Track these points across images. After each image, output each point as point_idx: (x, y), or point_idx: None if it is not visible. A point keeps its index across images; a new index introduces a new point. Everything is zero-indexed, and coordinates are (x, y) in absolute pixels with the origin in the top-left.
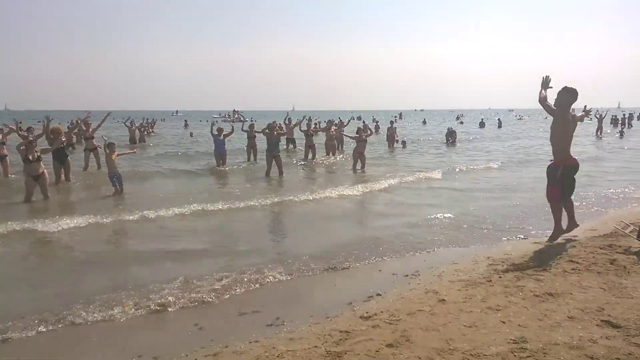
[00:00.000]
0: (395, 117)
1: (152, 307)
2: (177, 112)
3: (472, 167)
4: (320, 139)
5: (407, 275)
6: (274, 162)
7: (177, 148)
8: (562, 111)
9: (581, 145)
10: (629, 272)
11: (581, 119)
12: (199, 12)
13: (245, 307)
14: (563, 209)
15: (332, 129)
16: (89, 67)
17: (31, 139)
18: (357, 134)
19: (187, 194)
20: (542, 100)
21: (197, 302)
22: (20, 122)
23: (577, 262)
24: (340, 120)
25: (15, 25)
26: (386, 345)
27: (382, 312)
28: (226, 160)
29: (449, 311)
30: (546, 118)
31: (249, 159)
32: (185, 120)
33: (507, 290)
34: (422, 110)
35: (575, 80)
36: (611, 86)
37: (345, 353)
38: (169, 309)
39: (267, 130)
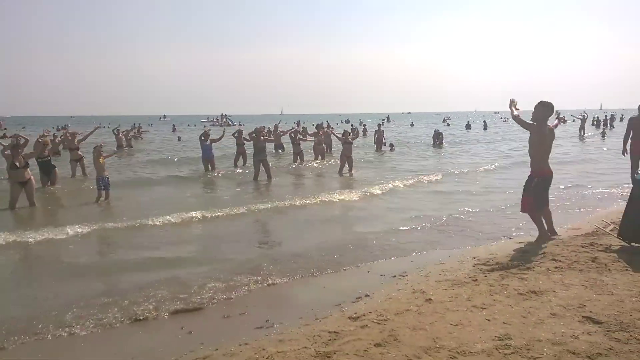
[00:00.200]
0: (383, 120)
1: (140, 313)
2: (164, 116)
3: (460, 169)
4: (308, 143)
5: (395, 276)
6: (261, 166)
7: (166, 153)
8: (539, 125)
9: (565, 147)
10: (609, 269)
11: (556, 126)
12: (183, 14)
13: (234, 310)
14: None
15: (320, 133)
16: (72, 72)
17: (22, 142)
18: (343, 136)
19: (174, 201)
20: (516, 118)
21: (186, 307)
22: (5, 129)
23: (560, 261)
24: (328, 123)
25: None
26: (374, 345)
27: (370, 312)
28: (215, 165)
29: (435, 310)
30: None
31: (236, 165)
32: (173, 125)
33: (492, 289)
34: (409, 113)
35: (558, 82)
36: (593, 88)
37: (335, 353)
38: (158, 315)
39: (253, 135)
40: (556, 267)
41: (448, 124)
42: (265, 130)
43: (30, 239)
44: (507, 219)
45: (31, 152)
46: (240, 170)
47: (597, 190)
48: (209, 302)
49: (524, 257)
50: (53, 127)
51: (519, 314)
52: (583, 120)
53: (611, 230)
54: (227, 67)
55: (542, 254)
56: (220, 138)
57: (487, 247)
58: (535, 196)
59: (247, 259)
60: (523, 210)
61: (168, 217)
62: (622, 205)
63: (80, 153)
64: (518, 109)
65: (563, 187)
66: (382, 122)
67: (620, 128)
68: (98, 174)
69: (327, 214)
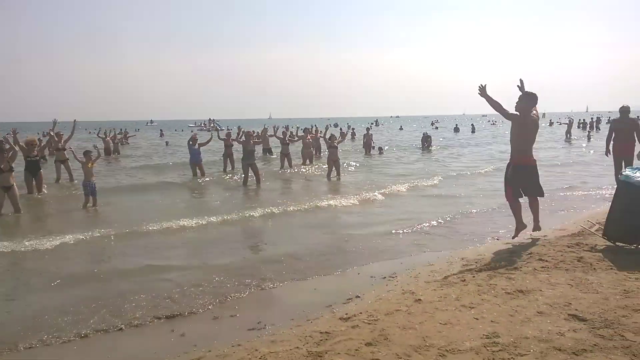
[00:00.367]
0: (372, 124)
1: (132, 318)
2: (151, 121)
3: (451, 173)
4: (296, 147)
5: (385, 278)
6: (250, 171)
7: (154, 159)
8: (522, 115)
9: (553, 150)
10: (594, 268)
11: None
12: (171, 18)
13: (226, 313)
14: (522, 206)
15: (308, 137)
16: (56, 76)
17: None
18: (329, 139)
19: (164, 207)
20: (497, 107)
21: (178, 312)
22: None
23: (546, 261)
24: (317, 127)
25: None
26: (365, 344)
27: (361, 313)
28: (203, 169)
29: (425, 310)
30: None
31: (225, 169)
32: (161, 130)
33: (480, 288)
34: (397, 116)
35: (545, 85)
36: (580, 91)
37: (326, 352)
38: (150, 320)
39: (243, 138)
40: (543, 267)
41: (436, 127)
42: (255, 135)
43: (20, 248)
44: (495, 221)
45: (23, 148)
46: (229, 176)
47: (584, 192)
48: (200, 306)
49: (512, 257)
50: (38, 133)
51: (506, 312)
52: (569, 124)
53: (596, 230)
54: (215, 71)
55: (529, 254)
56: (208, 141)
57: (476, 249)
58: (513, 184)
59: (238, 263)
60: (507, 199)
61: (157, 223)
62: (608, 205)
63: (66, 154)
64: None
65: (551, 189)
66: (371, 126)
67: (606, 130)
68: (86, 178)
69: (318, 219)
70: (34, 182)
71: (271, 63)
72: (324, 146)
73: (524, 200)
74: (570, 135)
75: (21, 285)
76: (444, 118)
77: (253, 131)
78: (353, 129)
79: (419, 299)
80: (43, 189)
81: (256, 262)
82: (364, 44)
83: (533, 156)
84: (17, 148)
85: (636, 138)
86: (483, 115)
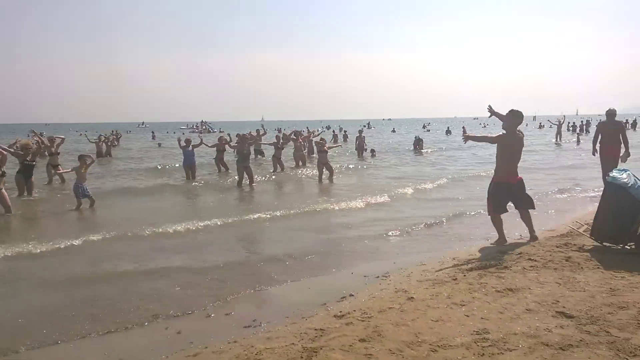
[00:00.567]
0: (364, 126)
1: (129, 318)
2: (143, 123)
3: (442, 175)
4: (289, 150)
5: (378, 277)
6: (245, 173)
7: (147, 161)
8: (507, 134)
9: (543, 153)
10: (582, 267)
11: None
12: (164, 20)
13: (222, 311)
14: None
15: (300, 139)
16: (48, 78)
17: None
18: (319, 144)
19: (158, 210)
20: (482, 139)
21: (174, 310)
22: None
23: (536, 260)
24: (308, 129)
25: None
26: (359, 340)
27: (354, 310)
28: (196, 173)
29: (417, 308)
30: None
31: (219, 171)
32: (153, 132)
33: (471, 287)
34: (389, 119)
35: (536, 88)
36: (570, 94)
37: (321, 348)
38: (147, 319)
39: (238, 141)
40: (532, 266)
41: (428, 130)
42: (249, 135)
43: (11, 251)
44: (487, 223)
45: (19, 154)
46: (222, 179)
47: (573, 194)
48: (196, 305)
49: (502, 257)
50: (28, 136)
51: (496, 310)
52: (559, 126)
53: (584, 230)
54: (208, 73)
55: (519, 254)
56: (201, 143)
57: (467, 249)
58: (493, 200)
59: (233, 263)
60: (488, 213)
61: (152, 226)
62: (596, 207)
63: (58, 159)
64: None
65: (542, 191)
66: (363, 129)
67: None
68: (78, 181)
69: (311, 221)
70: (25, 186)
71: (264, 65)
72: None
73: (504, 216)
74: (561, 138)
75: (20, 286)
76: (436, 121)
77: (250, 133)
78: (345, 131)
79: (412, 297)
80: (34, 193)
81: (251, 262)
82: (357, 47)
83: (517, 174)
84: (11, 151)
85: (621, 140)
86: (474, 119)
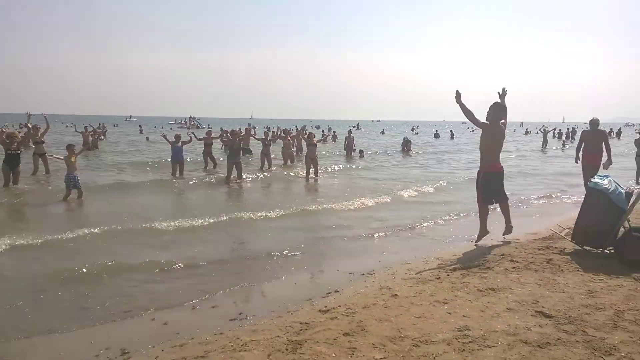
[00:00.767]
0: (353, 127)
1: (116, 311)
2: (130, 117)
3: (430, 178)
4: (278, 146)
5: (363, 274)
6: (234, 167)
7: (135, 155)
8: (492, 124)
9: (528, 159)
10: (562, 270)
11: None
12: (156, 14)
13: (209, 304)
14: (491, 213)
15: (289, 137)
16: (34, 69)
17: None
18: (308, 137)
19: (144, 206)
20: (469, 115)
21: (160, 303)
22: None
23: (517, 262)
24: (297, 128)
25: None
26: (343, 334)
27: (339, 306)
28: (183, 168)
29: (400, 304)
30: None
31: (206, 167)
32: (140, 126)
33: (454, 286)
34: (379, 121)
35: (523, 95)
36: (557, 102)
37: (306, 341)
38: (135, 312)
39: (228, 136)
40: (514, 267)
41: (417, 133)
42: (239, 130)
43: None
44: (471, 225)
45: (4, 141)
46: (210, 175)
47: (557, 199)
48: (183, 299)
49: (485, 258)
50: (12, 125)
51: (477, 308)
52: (545, 133)
53: (566, 234)
54: (198, 69)
55: (502, 255)
56: (190, 140)
57: (451, 250)
58: (482, 191)
59: (221, 260)
60: (478, 203)
61: (137, 222)
62: (578, 211)
63: (44, 147)
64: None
65: (526, 196)
66: (352, 129)
67: None
68: (69, 171)
69: (299, 219)
70: (11, 176)
71: (254, 64)
72: (304, 146)
73: (493, 207)
74: (547, 145)
75: (6, 277)
76: (425, 124)
77: (239, 129)
78: (334, 131)
79: (395, 294)
80: (18, 183)
81: (238, 259)
82: (348, 49)
83: (500, 163)
84: None
85: (604, 148)
86: (462, 123)
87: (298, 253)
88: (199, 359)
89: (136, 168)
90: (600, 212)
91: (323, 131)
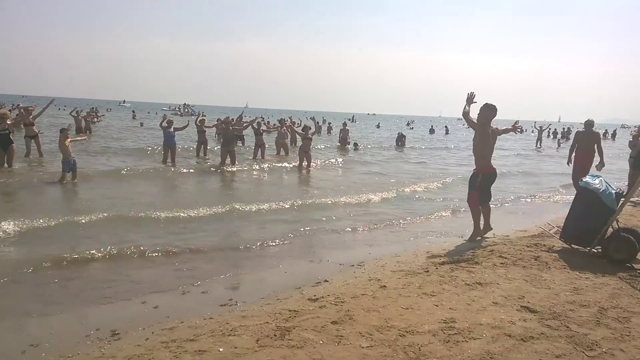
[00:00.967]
0: (349, 119)
1: (107, 291)
2: (124, 101)
3: (420, 173)
4: (271, 137)
5: (353, 265)
6: (228, 155)
7: (126, 141)
8: (483, 125)
9: (521, 157)
10: (549, 267)
11: (506, 131)
12: (152, 1)
13: (199, 290)
14: (481, 213)
15: (284, 127)
16: (27, 50)
17: None
18: (302, 131)
19: (136, 193)
20: (465, 114)
21: (151, 287)
22: None
23: (506, 258)
24: (291, 119)
25: None
26: (331, 322)
27: (328, 295)
28: (175, 155)
29: (388, 295)
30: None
31: (198, 154)
32: (133, 111)
33: (442, 279)
34: (374, 114)
35: (520, 94)
36: (553, 102)
37: (294, 328)
38: (124, 294)
39: (222, 125)
40: (502, 263)
41: (412, 128)
42: (231, 119)
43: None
44: (462, 220)
45: None
46: (200, 162)
47: (549, 198)
48: (174, 284)
49: (474, 253)
50: (4, 106)
51: (464, 301)
52: (540, 132)
53: (555, 232)
54: (195, 56)
55: (491, 251)
56: (184, 127)
57: (441, 244)
58: (480, 191)
59: (212, 248)
60: (471, 204)
61: (128, 208)
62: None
63: (35, 129)
64: (475, 102)
65: (515, 195)
66: (347, 122)
67: None
68: (64, 156)
69: (292, 211)
70: (4, 157)
71: (251, 53)
72: (298, 138)
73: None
74: (541, 144)
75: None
76: (420, 119)
77: (228, 116)
78: (330, 123)
79: (384, 286)
80: (12, 164)
81: (229, 247)
82: (344, 42)
83: (492, 165)
84: None
85: (596, 150)
86: (458, 119)
87: (289, 243)
88: (188, 342)
89: (128, 154)
90: (590, 211)
91: (317, 122)
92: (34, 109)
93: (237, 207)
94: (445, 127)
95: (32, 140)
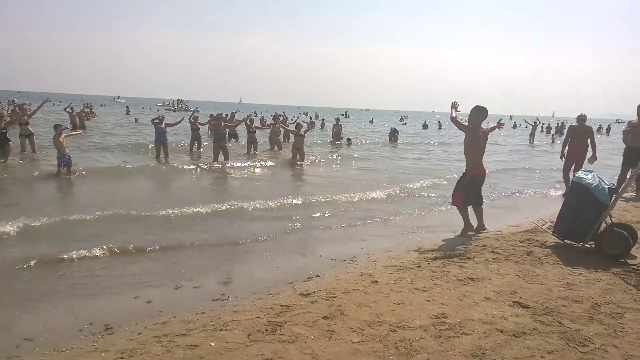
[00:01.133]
0: (342, 114)
1: (99, 285)
2: (118, 97)
3: (413, 169)
4: (264, 134)
5: (345, 261)
6: (220, 152)
7: (120, 137)
8: (474, 128)
9: (515, 153)
10: (542, 262)
11: (492, 129)
12: None
13: (191, 285)
14: (469, 209)
15: (277, 124)
16: (18, 45)
17: None
18: (295, 128)
19: (131, 190)
20: (454, 119)
21: (144, 282)
22: None
23: (498, 253)
24: (285, 115)
25: None
26: (322, 317)
27: (320, 290)
28: (168, 150)
29: (380, 291)
30: (488, 122)
31: (191, 150)
32: (127, 107)
33: (434, 274)
34: (367, 109)
35: (514, 89)
36: (547, 97)
37: (286, 323)
38: (117, 288)
39: (213, 121)
40: (494, 258)
41: (405, 123)
42: (224, 115)
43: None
44: (454, 216)
45: None
46: (193, 158)
47: (541, 193)
48: (167, 279)
49: (466, 248)
50: (1, 102)
51: (456, 297)
52: (534, 127)
53: (548, 227)
54: (188, 51)
55: (483, 246)
56: (177, 123)
57: (433, 240)
58: (467, 192)
59: (204, 244)
60: (453, 204)
61: (121, 206)
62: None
63: (30, 128)
64: (459, 111)
65: (508, 190)
66: (340, 117)
67: None
68: (59, 152)
69: (284, 207)
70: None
71: (245, 48)
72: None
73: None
74: (534, 139)
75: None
76: (413, 114)
77: (221, 113)
78: (323, 119)
79: (376, 281)
80: (7, 159)
81: (222, 242)
82: (337, 37)
83: (483, 166)
84: None
85: (589, 144)
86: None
87: (281, 238)
88: (180, 336)
89: (122, 150)
90: (583, 206)
91: (310, 117)
92: (30, 105)
93: (230, 203)
94: (439, 122)
95: (27, 139)
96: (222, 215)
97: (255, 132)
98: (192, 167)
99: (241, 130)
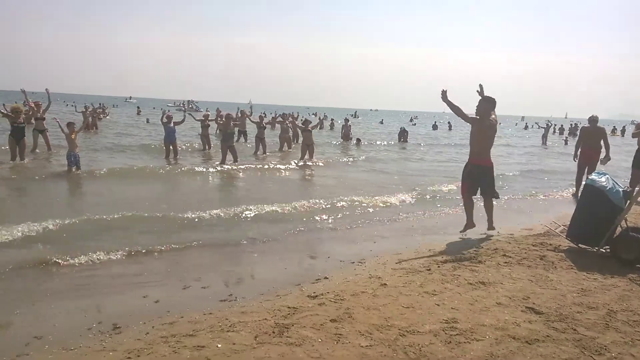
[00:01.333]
0: (351, 115)
1: (108, 284)
2: (130, 98)
3: (422, 170)
4: (274, 132)
5: (354, 262)
6: (228, 152)
7: (134, 137)
8: (481, 119)
9: (528, 155)
10: (555, 267)
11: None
12: None
13: (199, 285)
14: (477, 208)
15: (287, 122)
16: (31, 47)
17: None
18: (303, 124)
19: (141, 191)
20: (457, 110)
21: (152, 281)
22: None
23: (510, 257)
24: (297, 113)
25: None
26: (330, 320)
27: (328, 292)
28: (177, 149)
29: (389, 294)
30: (500, 124)
31: (204, 148)
32: (138, 107)
33: (444, 278)
34: (376, 110)
35: (526, 91)
36: (560, 98)
37: (293, 325)
38: (125, 287)
39: (222, 120)
40: (506, 262)
41: (414, 124)
42: (234, 115)
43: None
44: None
45: (9, 115)
46: (203, 158)
47: (555, 195)
48: (175, 279)
49: (477, 251)
50: (16, 102)
51: (467, 301)
52: (546, 129)
53: (561, 231)
54: (200, 52)
55: (495, 249)
56: (182, 121)
57: (444, 242)
58: (471, 182)
59: (213, 244)
60: (462, 193)
61: (132, 209)
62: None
63: (44, 124)
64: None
65: (520, 192)
66: (350, 118)
67: None
68: (70, 149)
69: (292, 208)
70: (17, 150)
71: (254, 49)
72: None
73: (476, 199)
74: (547, 140)
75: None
76: (423, 115)
77: (230, 114)
78: (332, 119)
79: (385, 284)
80: (26, 159)
81: (230, 243)
82: (348, 38)
83: (490, 158)
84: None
85: (602, 145)
86: None
87: (290, 239)
88: (187, 337)
89: (132, 150)
90: (597, 210)
91: (319, 118)
92: (40, 104)
93: (238, 203)
94: (449, 123)
95: (40, 135)
96: (230, 216)
97: (265, 127)
98: (201, 168)
99: (251, 130)
